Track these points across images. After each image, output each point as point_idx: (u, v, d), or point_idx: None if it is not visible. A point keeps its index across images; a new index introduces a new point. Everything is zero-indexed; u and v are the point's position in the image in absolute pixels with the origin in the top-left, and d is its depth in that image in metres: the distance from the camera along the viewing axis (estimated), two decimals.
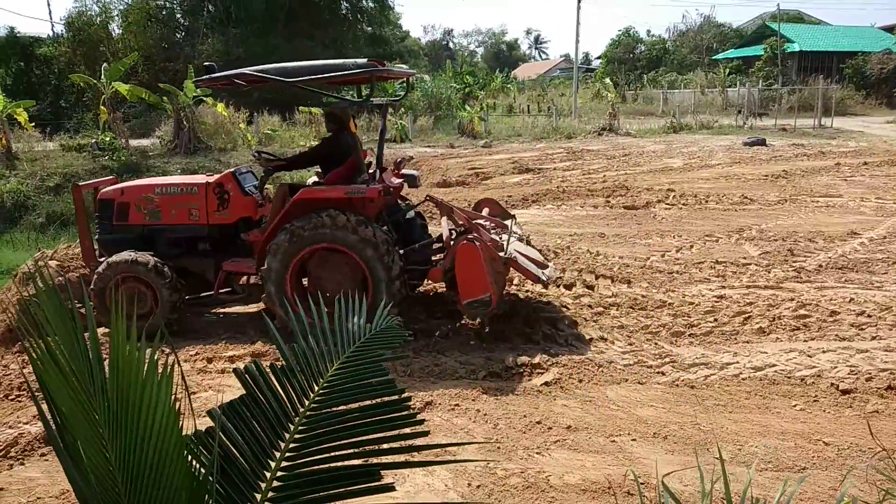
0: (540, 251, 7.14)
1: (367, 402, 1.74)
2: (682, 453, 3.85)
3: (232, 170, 6.47)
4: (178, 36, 31.80)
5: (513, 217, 7.19)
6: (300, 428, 1.61)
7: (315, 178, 6.50)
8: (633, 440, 4.03)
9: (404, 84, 6.48)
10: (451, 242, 5.94)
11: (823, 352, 5.25)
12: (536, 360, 5.21)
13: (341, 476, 1.49)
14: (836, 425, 4.15)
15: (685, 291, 6.81)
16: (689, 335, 5.73)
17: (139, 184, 6.60)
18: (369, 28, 34.11)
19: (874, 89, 35.09)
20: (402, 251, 5.95)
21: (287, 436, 1.59)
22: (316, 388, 1.73)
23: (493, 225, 6.59)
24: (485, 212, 7.01)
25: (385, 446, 1.63)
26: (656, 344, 5.59)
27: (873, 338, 5.51)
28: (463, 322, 6.03)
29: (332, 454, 1.59)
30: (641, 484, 3.49)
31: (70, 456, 1.30)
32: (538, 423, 4.24)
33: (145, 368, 1.27)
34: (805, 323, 5.85)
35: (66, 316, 1.29)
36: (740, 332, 5.75)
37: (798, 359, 5.15)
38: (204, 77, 5.91)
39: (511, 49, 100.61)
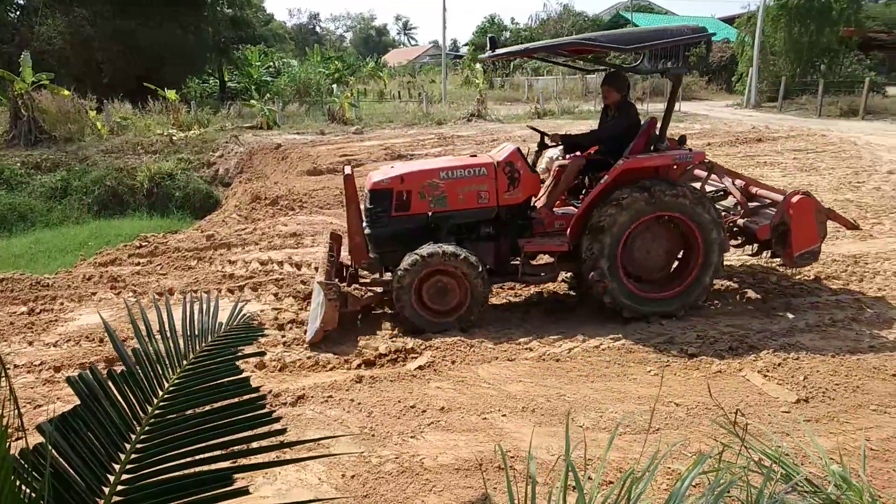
0: None
1: (224, 403, 1.67)
2: (549, 424, 4.03)
3: (516, 146, 6.02)
4: (12, 16, 28.81)
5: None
6: (142, 437, 1.51)
7: (557, 153, 6.37)
8: (504, 416, 4.16)
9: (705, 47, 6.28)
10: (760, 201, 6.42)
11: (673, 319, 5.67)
12: (410, 345, 5.24)
13: (189, 484, 1.42)
14: (686, 387, 4.50)
15: None
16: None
17: (418, 169, 6.03)
18: (229, 10, 32.55)
19: (715, 75, 38.08)
20: None
21: (128, 446, 1.49)
22: (160, 393, 1.63)
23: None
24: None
25: (254, 445, 1.57)
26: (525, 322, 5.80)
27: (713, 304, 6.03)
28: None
29: (187, 460, 1.51)
30: (511, 457, 3.61)
31: None
32: (412, 407, 4.27)
33: None
34: None
35: None
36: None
37: (651, 328, 5.53)
38: (500, 52, 5.63)
39: (380, 34, 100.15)
